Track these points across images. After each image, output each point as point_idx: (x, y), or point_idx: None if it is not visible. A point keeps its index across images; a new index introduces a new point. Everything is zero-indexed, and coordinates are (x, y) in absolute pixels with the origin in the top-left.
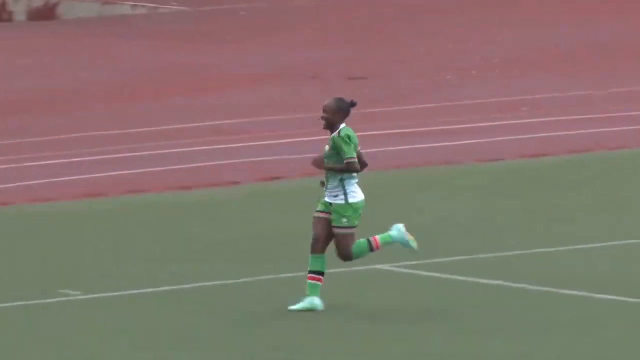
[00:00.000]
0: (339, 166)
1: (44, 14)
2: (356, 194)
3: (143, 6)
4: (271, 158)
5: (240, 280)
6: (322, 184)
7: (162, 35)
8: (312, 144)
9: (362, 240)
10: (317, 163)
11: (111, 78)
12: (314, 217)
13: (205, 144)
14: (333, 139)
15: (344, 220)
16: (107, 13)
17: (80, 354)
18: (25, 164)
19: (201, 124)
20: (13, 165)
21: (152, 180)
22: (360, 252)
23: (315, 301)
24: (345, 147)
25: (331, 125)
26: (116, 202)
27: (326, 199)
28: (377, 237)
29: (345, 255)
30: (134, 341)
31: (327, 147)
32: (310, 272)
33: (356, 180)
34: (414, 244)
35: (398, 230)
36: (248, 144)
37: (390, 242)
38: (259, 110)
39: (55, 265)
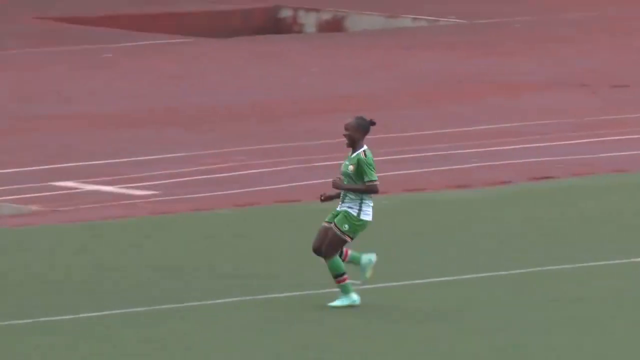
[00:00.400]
0: (359, 186)
1: (333, 27)
2: (368, 214)
3: (424, 19)
4: (542, 159)
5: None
6: (322, 198)
7: (441, 46)
8: (581, 146)
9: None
10: (337, 184)
11: (393, 84)
12: (321, 227)
13: (481, 146)
14: (358, 160)
15: (346, 226)
16: (391, 26)
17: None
18: (314, 164)
19: (475, 127)
20: (303, 165)
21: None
22: (337, 266)
23: (353, 297)
24: (368, 170)
25: (354, 143)
26: (396, 199)
27: (338, 208)
28: (351, 253)
29: (326, 252)
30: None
31: (350, 166)
32: (334, 276)
33: (372, 203)
34: (367, 275)
35: (369, 260)
36: (520, 146)
37: (357, 263)
38: (533, 115)
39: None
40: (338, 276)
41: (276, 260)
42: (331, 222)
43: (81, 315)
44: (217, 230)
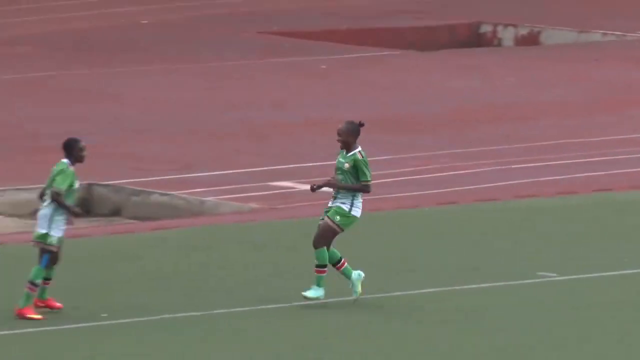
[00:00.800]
0: (354, 186)
1: (529, 41)
2: (358, 210)
3: (612, 34)
4: None
5: None
6: (312, 189)
7: (629, 59)
8: None
9: (338, 254)
10: (334, 184)
11: (583, 94)
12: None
13: None
14: (354, 159)
15: (338, 218)
16: (582, 40)
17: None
18: (510, 166)
19: None
20: (499, 167)
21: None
22: (323, 257)
23: (322, 292)
24: (365, 170)
25: (348, 146)
26: (587, 199)
27: (330, 204)
28: (347, 265)
29: (316, 242)
30: None
31: (345, 164)
32: (316, 265)
33: (362, 200)
34: (358, 290)
35: (358, 275)
36: None
37: (347, 277)
38: None
39: (532, 250)
40: (320, 267)
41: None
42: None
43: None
44: (418, 227)
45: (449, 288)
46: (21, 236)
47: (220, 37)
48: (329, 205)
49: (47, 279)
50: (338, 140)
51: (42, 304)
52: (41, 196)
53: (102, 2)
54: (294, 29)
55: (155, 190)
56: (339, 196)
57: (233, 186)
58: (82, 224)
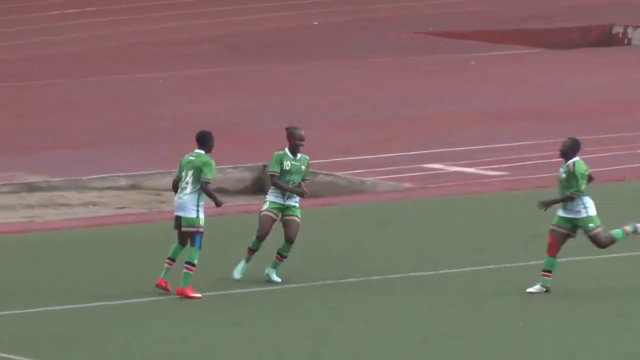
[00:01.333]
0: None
1: None
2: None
3: None
4: None
5: None
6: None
7: None
8: None
9: None
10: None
11: None
12: (266, 215)
13: None
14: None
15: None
16: None
17: None
18: (636, 151)
19: None
20: (628, 152)
21: None
22: (290, 250)
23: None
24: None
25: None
26: None
27: (285, 202)
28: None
29: (294, 238)
30: None
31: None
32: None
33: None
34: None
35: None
36: None
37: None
38: None
39: None
40: (285, 257)
41: None
42: (282, 214)
43: (417, 273)
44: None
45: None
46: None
47: (382, 37)
48: (284, 203)
49: (172, 259)
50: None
51: (163, 285)
52: (175, 186)
53: (274, 6)
54: (447, 29)
55: (321, 171)
56: (293, 196)
57: (389, 168)
58: (254, 201)
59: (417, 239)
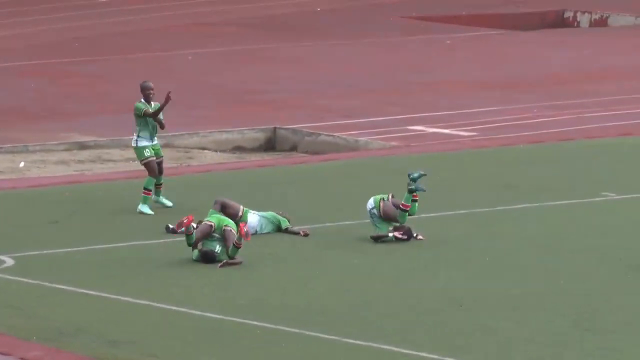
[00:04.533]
0: None
1: (600, 23)
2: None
3: None
4: None
5: None
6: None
7: None
8: None
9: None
10: None
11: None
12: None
13: None
14: None
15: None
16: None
17: None
18: (584, 115)
19: None
20: (577, 116)
21: None
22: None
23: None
24: None
25: None
26: None
27: (156, 142)
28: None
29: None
30: None
31: None
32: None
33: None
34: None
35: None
36: None
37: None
38: None
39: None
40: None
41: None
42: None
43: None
44: (513, 160)
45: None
46: (222, 165)
47: (374, 20)
48: (155, 143)
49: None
50: None
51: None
52: None
53: None
54: (427, 14)
55: (323, 132)
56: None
57: (380, 129)
58: (266, 157)
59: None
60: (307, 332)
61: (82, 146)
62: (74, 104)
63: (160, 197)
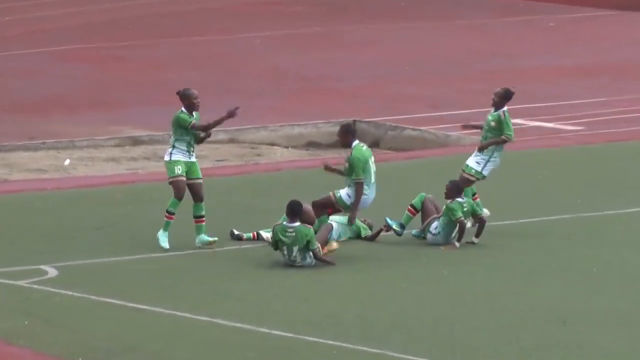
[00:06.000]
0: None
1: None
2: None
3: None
4: None
5: None
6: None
7: None
8: None
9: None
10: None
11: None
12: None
13: None
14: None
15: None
16: None
17: None
18: None
19: None
20: None
21: None
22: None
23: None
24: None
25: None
26: None
27: (192, 159)
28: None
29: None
30: None
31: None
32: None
33: None
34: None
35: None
36: None
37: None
38: None
39: None
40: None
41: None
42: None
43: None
44: (623, 158)
45: None
46: (294, 163)
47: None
48: (191, 160)
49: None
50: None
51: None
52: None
53: None
54: None
55: (408, 126)
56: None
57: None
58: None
59: (500, 189)
60: (390, 353)
61: (135, 141)
62: (126, 92)
63: (202, 236)
